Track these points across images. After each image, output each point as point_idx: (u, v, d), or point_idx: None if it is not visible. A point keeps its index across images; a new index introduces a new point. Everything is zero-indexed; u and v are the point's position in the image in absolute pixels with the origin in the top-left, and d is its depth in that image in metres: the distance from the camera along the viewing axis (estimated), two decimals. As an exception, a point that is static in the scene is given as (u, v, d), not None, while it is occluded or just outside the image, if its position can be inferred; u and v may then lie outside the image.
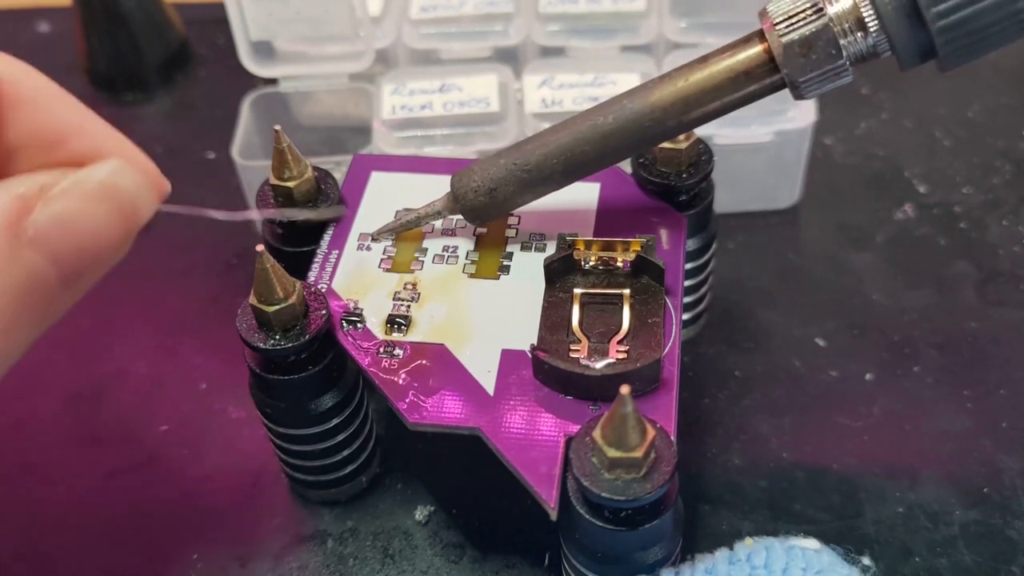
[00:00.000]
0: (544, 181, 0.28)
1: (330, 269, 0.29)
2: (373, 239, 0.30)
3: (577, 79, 0.38)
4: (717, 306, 0.35)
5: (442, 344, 0.27)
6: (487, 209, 0.28)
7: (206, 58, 0.48)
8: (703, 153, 0.30)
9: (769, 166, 0.38)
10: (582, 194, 0.30)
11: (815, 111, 0.37)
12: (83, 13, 0.45)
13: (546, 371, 0.26)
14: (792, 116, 0.37)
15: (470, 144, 0.36)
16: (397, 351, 0.27)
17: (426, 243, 0.30)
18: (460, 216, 0.29)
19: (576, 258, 0.28)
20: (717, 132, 0.36)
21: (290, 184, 0.29)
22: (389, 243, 0.30)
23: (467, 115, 0.37)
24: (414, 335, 0.27)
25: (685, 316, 0.33)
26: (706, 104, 0.26)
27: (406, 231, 0.30)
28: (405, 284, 0.29)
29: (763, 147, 0.37)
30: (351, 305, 0.28)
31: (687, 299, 0.33)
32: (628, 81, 0.37)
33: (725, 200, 0.35)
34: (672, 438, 0.24)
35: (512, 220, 0.30)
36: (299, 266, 0.29)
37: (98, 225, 0.23)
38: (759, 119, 0.37)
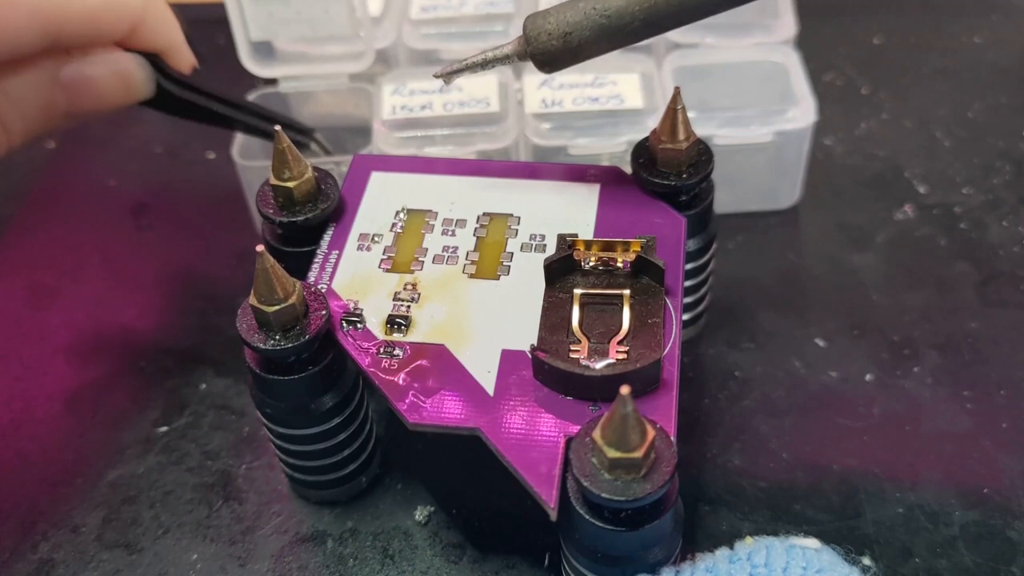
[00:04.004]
0: (623, 30, 0.26)
1: (330, 269, 0.29)
2: (436, 76, 0.29)
3: (577, 79, 0.38)
4: (717, 306, 0.35)
5: (442, 344, 0.27)
6: (559, 55, 0.27)
7: (206, 58, 0.48)
8: (703, 153, 0.30)
9: (769, 167, 0.38)
10: (582, 194, 0.30)
11: (815, 111, 0.37)
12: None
13: (546, 371, 0.26)
14: (792, 116, 0.37)
15: (470, 144, 0.36)
16: (397, 351, 0.27)
17: (426, 243, 0.30)
18: (529, 61, 0.28)
19: (576, 258, 0.28)
20: (717, 132, 0.36)
21: (290, 184, 0.29)
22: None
23: (467, 115, 0.37)
24: (414, 335, 0.27)
25: (685, 316, 0.33)
26: None
27: (472, 73, 0.29)
28: (405, 284, 0.29)
29: (763, 147, 0.37)
30: (351, 305, 0.28)
31: (687, 299, 0.33)
32: (628, 82, 0.37)
33: (725, 200, 0.35)
34: (672, 438, 0.24)
35: (512, 220, 0.30)
36: (299, 266, 0.29)
37: (107, 90, 0.32)
38: (759, 119, 0.37)
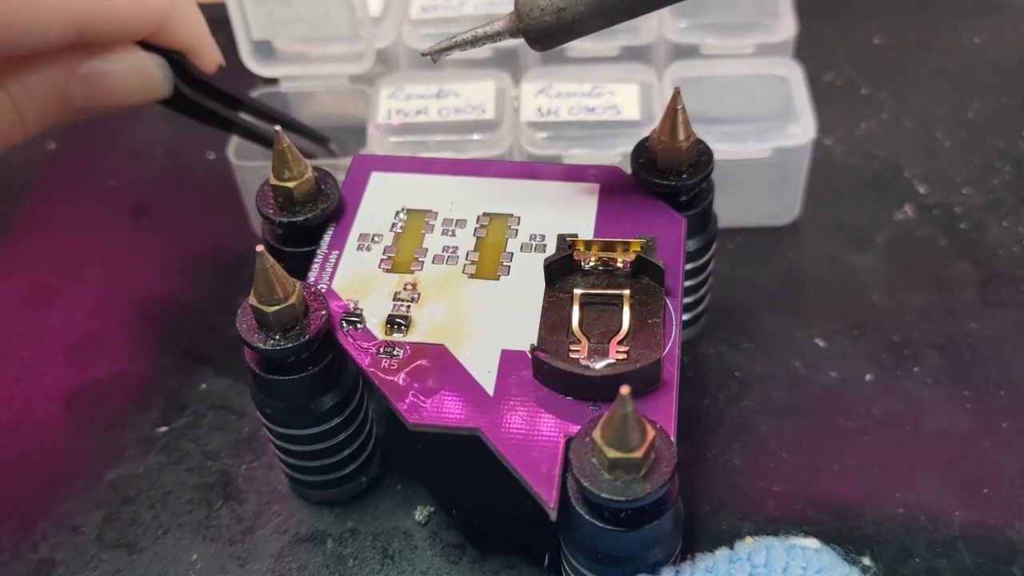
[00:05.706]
0: (619, 4, 0.26)
1: (330, 269, 0.29)
2: (424, 55, 0.28)
3: (575, 88, 0.37)
4: (717, 306, 0.35)
5: (442, 344, 0.27)
6: (553, 31, 0.26)
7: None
8: (703, 153, 0.30)
9: (767, 183, 0.37)
10: (582, 194, 0.30)
11: (814, 128, 0.36)
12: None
13: (546, 371, 0.26)
14: (791, 133, 0.36)
15: (464, 152, 0.36)
16: (397, 351, 0.27)
17: (426, 243, 0.30)
18: (520, 39, 0.27)
19: (576, 258, 0.28)
20: (716, 148, 0.36)
21: (290, 184, 0.29)
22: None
23: (462, 122, 0.37)
24: (414, 335, 0.27)
25: (685, 316, 0.33)
26: None
27: (462, 51, 0.28)
28: (405, 284, 0.29)
29: (761, 163, 0.37)
30: (351, 305, 0.28)
31: (687, 299, 0.33)
32: (626, 92, 0.37)
33: (723, 215, 0.34)
34: (672, 438, 0.24)
35: (512, 220, 0.30)
36: (299, 266, 0.29)
37: (124, 87, 0.32)
38: (757, 135, 0.36)
